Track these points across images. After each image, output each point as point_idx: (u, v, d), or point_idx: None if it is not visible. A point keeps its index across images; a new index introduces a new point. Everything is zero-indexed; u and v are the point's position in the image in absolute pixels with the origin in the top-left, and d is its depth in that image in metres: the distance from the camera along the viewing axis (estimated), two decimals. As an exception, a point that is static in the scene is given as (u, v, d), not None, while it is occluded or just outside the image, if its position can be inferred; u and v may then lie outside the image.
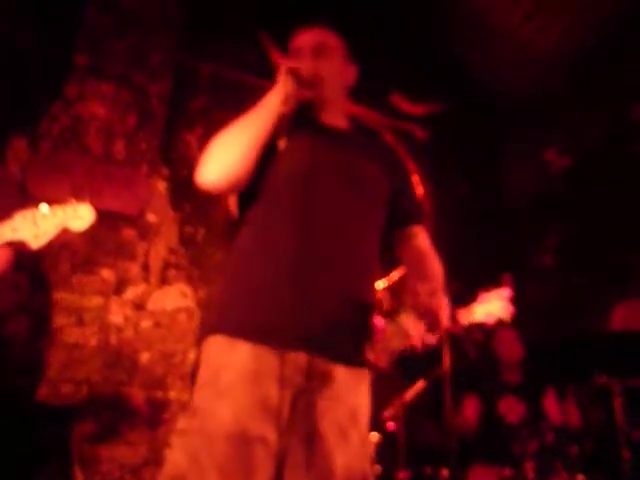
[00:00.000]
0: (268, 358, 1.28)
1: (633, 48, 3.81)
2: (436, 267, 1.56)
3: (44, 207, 1.62)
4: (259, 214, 1.45)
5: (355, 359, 1.38)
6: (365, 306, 1.44)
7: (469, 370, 2.43)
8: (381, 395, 2.42)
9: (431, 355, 1.80)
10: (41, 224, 1.59)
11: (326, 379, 1.31)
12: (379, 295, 3.85)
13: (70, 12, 3.28)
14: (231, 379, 1.26)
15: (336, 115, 1.63)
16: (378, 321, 2.39)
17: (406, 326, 1.50)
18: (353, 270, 1.42)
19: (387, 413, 2.30)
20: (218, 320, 1.37)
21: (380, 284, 3.86)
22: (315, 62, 1.53)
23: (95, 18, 3.30)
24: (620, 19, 3.76)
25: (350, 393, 1.34)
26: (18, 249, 1.62)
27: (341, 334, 1.35)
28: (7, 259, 1.58)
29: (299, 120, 1.57)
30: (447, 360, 1.97)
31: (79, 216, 1.63)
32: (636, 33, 3.71)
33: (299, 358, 1.29)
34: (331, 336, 1.33)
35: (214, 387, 1.27)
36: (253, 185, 1.47)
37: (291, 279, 1.33)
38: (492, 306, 2.62)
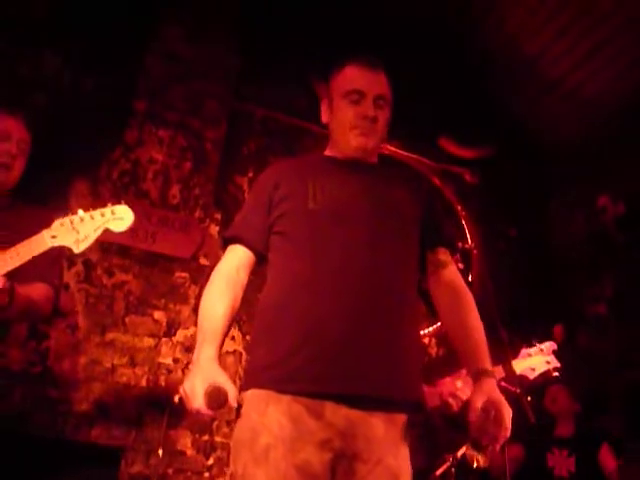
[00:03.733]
0: (305, 420, 1.27)
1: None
2: (472, 314, 1.49)
3: (81, 212, 1.63)
4: (287, 259, 1.45)
5: (398, 400, 1.35)
6: (409, 348, 1.41)
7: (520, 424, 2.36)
8: (434, 453, 2.37)
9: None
10: (81, 229, 1.58)
11: (366, 440, 1.29)
12: (425, 340, 3.79)
13: (131, 59, 3.44)
14: (268, 442, 1.25)
15: (368, 155, 1.63)
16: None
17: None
18: (394, 314, 1.40)
19: (438, 472, 2.25)
20: (252, 374, 1.38)
21: (426, 330, 3.80)
22: (375, 112, 1.55)
23: (154, 66, 3.45)
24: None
25: (391, 454, 1.31)
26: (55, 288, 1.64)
27: (383, 375, 1.32)
28: (47, 296, 1.60)
29: (328, 164, 1.59)
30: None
31: (119, 217, 1.62)
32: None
33: (338, 415, 1.28)
34: (372, 378, 1.31)
35: (251, 451, 1.26)
36: (280, 237, 1.48)
37: (327, 329, 1.32)
38: (535, 361, 2.55)
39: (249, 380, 1.38)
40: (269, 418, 1.28)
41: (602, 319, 4.17)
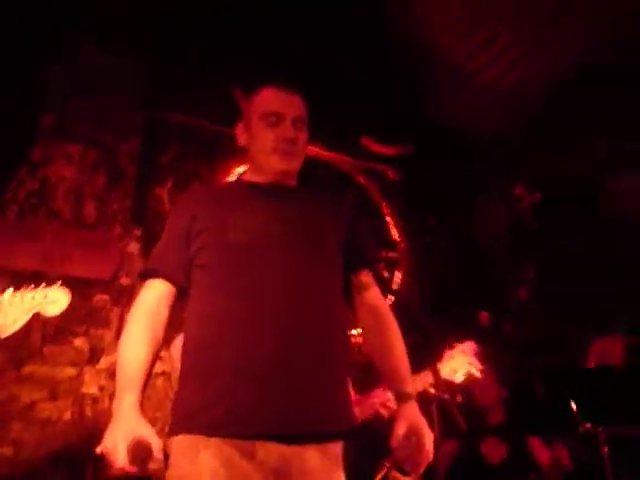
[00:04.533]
0: (237, 462, 1.24)
1: (593, 83, 3.91)
2: (394, 337, 1.50)
3: (9, 293, 1.51)
4: (209, 294, 1.41)
5: (330, 431, 1.34)
6: (336, 373, 1.41)
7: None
8: (364, 463, 2.38)
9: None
10: (9, 312, 1.48)
11: (300, 473, 1.27)
12: (354, 341, 3.81)
13: (33, 73, 3.23)
14: None
15: (288, 178, 1.61)
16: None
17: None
18: (319, 339, 1.38)
19: (377, 478, 2.26)
20: (180, 418, 1.32)
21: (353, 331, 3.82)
22: (295, 134, 1.53)
23: (60, 78, 3.25)
24: (574, 64, 3.89)
25: None
26: None
27: (312, 410, 1.31)
28: None
29: (247, 192, 1.56)
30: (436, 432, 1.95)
31: (52, 300, 1.53)
32: (592, 75, 3.81)
33: (270, 453, 1.25)
34: (302, 414, 1.29)
35: None
36: (201, 270, 1.44)
37: (252, 365, 1.29)
38: (457, 363, 2.59)
39: (176, 424, 1.32)
40: (201, 465, 1.23)
41: (524, 304, 4.35)
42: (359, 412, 2.31)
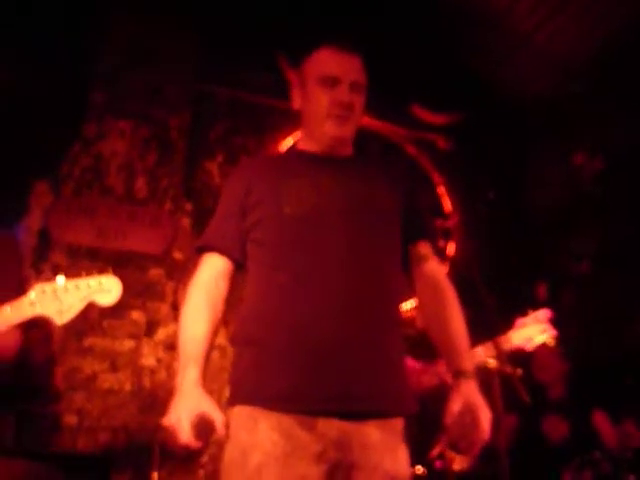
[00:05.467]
0: (297, 433, 1.22)
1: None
2: (454, 311, 1.44)
3: (61, 279, 1.51)
4: (267, 270, 1.38)
5: (391, 409, 1.32)
6: (394, 349, 1.37)
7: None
8: (427, 434, 2.34)
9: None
10: (64, 298, 1.46)
11: (361, 447, 1.25)
12: (410, 315, 3.75)
13: (84, 50, 3.26)
14: (260, 461, 1.21)
15: (343, 145, 1.55)
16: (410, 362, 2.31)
17: None
18: (378, 314, 1.35)
19: (434, 452, 2.22)
20: (238, 390, 1.32)
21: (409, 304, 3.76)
22: (351, 98, 1.47)
23: (109, 55, 3.27)
24: (629, 25, 3.63)
25: (387, 458, 1.28)
26: (32, 329, 1.53)
27: (373, 387, 1.29)
28: (15, 343, 1.48)
29: (301, 161, 1.52)
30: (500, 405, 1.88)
31: (106, 289, 1.51)
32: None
33: (331, 427, 1.23)
34: (362, 392, 1.27)
35: (243, 472, 1.22)
36: (258, 245, 1.41)
37: (311, 340, 1.27)
38: (531, 330, 2.51)
39: (235, 396, 1.31)
40: (260, 436, 1.23)
41: (586, 277, 4.17)
42: (425, 381, 2.27)
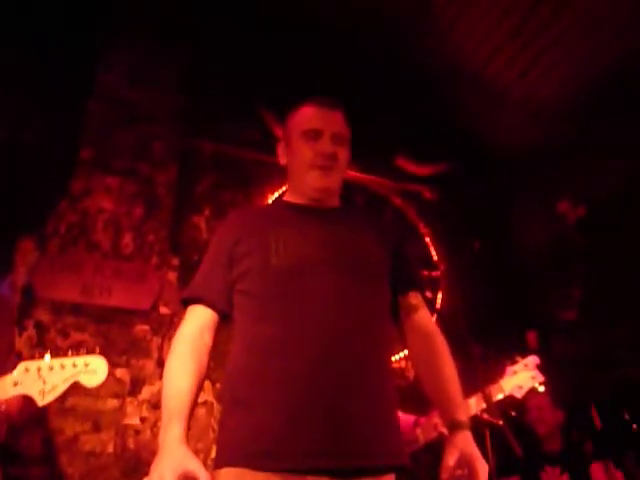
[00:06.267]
0: None
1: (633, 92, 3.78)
2: (446, 362, 1.43)
3: (48, 358, 1.46)
4: (253, 322, 1.37)
5: (383, 465, 1.28)
6: (386, 400, 1.35)
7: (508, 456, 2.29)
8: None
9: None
10: (48, 379, 1.43)
11: None
12: (400, 365, 3.70)
13: (72, 107, 3.31)
14: None
15: (329, 196, 1.57)
16: (403, 417, 2.27)
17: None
18: (368, 365, 1.33)
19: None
20: (225, 451, 1.28)
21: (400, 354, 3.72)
22: (333, 148, 1.50)
23: (97, 112, 3.32)
24: (610, 71, 3.77)
25: None
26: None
27: (365, 441, 1.25)
28: (19, 408, 1.43)
29: (288, 213, 1.53)
30: (491, 461, 1.84)
31: (91, 370, 1.47)
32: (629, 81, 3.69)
33: None
34: (354, 447, 1.23)
35: None
36: (245, 296, 1.40)
37: (299, 394, 1.24)
38: (521, 378, 2.49)
39: (221, 457, 1.28)
40: None
41: (574, 324, 4.17)
42: (421, 434, 2.22)
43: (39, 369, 1.41)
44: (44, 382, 1.40)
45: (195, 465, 1.18)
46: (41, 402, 1.41)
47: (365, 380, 1.30)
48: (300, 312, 1.33)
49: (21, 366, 1.41)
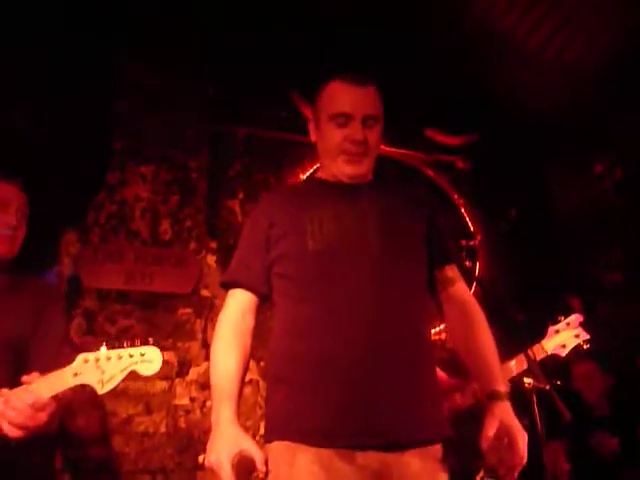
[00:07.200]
0: (337, 466, 1.21)
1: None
2: (483, 333, 1.43)
3: (104, 349, 1.52)
4: (293, 303, 1.39)
5: (428, 438, 1.30)
6: (426, 376, 1.37)
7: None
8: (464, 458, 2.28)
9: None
10: (106, 368, 1.48)
11: (402, 478, 1.24)
12: (440, 337, 3.69)
13: (100, 100, 3.35)
14: None
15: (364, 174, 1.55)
16: (445, 379, 2.27)
17: None
18: (408, 343, 1.34)
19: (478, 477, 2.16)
20: (274, 425, 1.32)
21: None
22: (364, 134, 1.46)
23: (126, 103, 3.36)
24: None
25: None
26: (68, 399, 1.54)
27: (408, 417, 1.28)
28: (51, 413, 1.48)
29: (323, 191, 1.52)
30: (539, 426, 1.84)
31: (147, 359, 1.52)
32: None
33: (370, 459, 1.22)
34: (398, 423, 1.26)
35: None
36: (283, 279, 1.42)
37: (341, 375, 1.26)
38: (564, 336, 2.44)
39: (271, 432, 1.32)
40: (300, 468, 1.22)
41: (619, 287, 4.08)
42: (460, 400, 2.22)
43: (97, 360, 1.46)
44: (102, 372, 1.45)
45: (249, 444, 1.22)
46: (100, 391, 1.47)
47: (406, 357, 1.32)
48: (338, 293, 1.34)
49: (80, 357, 1.47)
